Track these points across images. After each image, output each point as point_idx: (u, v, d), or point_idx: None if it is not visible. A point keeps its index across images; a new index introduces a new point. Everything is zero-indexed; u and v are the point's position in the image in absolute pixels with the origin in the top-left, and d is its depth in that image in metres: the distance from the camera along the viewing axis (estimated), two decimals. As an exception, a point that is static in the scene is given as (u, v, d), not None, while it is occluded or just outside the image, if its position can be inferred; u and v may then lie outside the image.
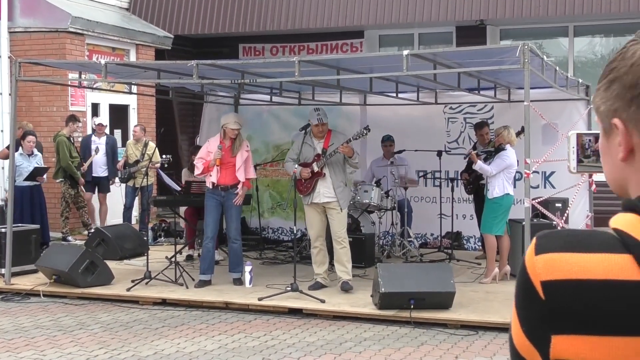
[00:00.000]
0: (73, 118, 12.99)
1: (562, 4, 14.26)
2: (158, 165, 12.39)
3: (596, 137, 1.53)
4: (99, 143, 13.35)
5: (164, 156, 11.84)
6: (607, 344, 1.12)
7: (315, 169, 9.09)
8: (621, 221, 1.17)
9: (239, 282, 9.50)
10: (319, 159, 9.10)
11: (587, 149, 1.54)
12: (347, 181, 9.44)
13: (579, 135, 1.55)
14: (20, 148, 11.76)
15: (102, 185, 13.50)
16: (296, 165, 9.13)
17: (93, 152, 13.35)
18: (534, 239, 1.21)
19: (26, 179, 11.81)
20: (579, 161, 1.55)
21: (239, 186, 9.49)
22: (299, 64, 8.27)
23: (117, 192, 13.94)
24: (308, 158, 9.19)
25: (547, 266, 1.17)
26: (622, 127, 1.21)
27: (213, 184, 9.44)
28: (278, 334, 7.64)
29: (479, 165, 9.52)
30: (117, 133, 15.29)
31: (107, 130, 13.97)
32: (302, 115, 12.26)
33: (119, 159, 13.70)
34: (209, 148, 9.54)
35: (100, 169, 13.39)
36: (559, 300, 1.15)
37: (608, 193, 13.12)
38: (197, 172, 9.68)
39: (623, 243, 1.15)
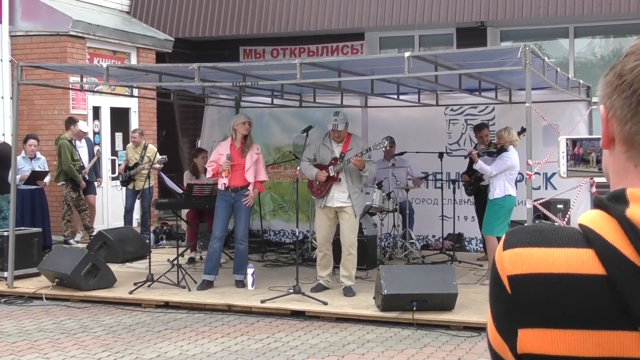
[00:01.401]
0: (72, 120, 13.01)
1: (562, 5, 14.28)
2: (158, 166, 12.42)
3: (574, 142, 1.54)
4: (81, 146, 13.37)
5: (159, 157, 11.86)
6: (567, 338, 1.14)
7: (332, 173, 8.98)
8: (587, 217, 1.19)
9: (241, 284, 9.50)
10: (336, 163, 9.00)
11: (565, 152, 1.55)
12: (363, 187, 9.38)
13: (566, 141, 1.56)
14: (23, 151, 11.82)
15: (86, 189, 13.46)
16: (298, 168, 9.09)
17: (94, 156, 13.39)
18: (504, 235, 1.24)
19: (26, 183, 11.82)
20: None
21: (250, 187, 9.50)
22: (301, 67, 8.27)
23: (118, 195, 13.96)
24: (325, 160, 9.11)
25: (513, 261, 1.19)
26: (604, 115, 1.23)
27: (224, 185, 9.47)
28: (281, 336, 7.65)
29: (480, 164, 9.52)
30: (118, 136, 15.32)
31: (90, 134, 14.05)
32: (303, 117, 12.30)
33: (121, 162, 13.71)
34: (220, 151, 9.57)
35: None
36: (524, 294, 1.16)
37: (609, 194, 13.14)
38: (208, 175, 9.83)
39: (586, 238, 1.16)
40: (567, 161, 1.54)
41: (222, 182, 9.48)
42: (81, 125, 13.32)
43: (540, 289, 1.15)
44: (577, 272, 1.14)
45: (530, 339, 1.16)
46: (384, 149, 9.48)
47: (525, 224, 7.93)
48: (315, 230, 9.54)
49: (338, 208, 8.99)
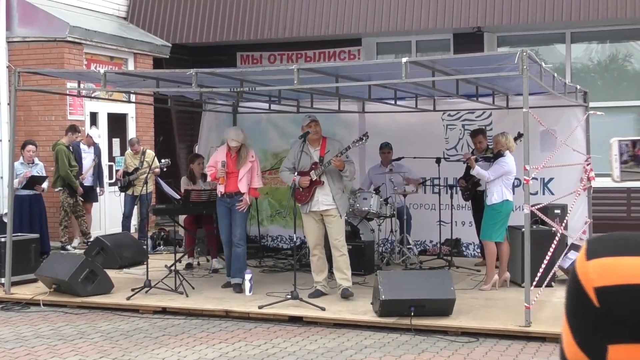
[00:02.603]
0: (73, 128, 13.03)
1: (559, 11, 14.31)
2: (158, 171, 12.41)
3: (633, 142, 1.51)
4: (88, 152, 13.41)
5: (162, 160, 11.86)
6: None
7: (314, 177, 9.06)
8: None
9: (238, 288, 9.51)
10: (317, 167, 9.09)
11: (623, 154, 1.52)
12: (344, 188, 9.45)
13: (619, 143, 1.53)
14: (21, 157, 11.82)
15: (87, 195, 13.48)
16: (296, 173, 9.11)
17: (92, 162, 13.41)
18: (585, 244, 1.17)
19: (24, 187, 11.81)
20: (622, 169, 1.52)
21: (244, 195, 9.57)
22: (298, 72, 8.28)
23: (116, 201, 13.96)
24: (305, 167, 9.16)
25: (600, 271, 1.11)
26: None
27: (221, 192, 9.67)
28: (279, 342, 7.64)
29: (477, 170, 9.53)
30: (116, 142, 15.31)
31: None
32: (301, 123, 12.28)
33: (118, 168, 13.70)
34: (217, 157, 9.78)
35: (87, 179, 13.40)
36: (615, 307, 1.10)
37: (606, 199, 13.02)
38: (209, 179, 10.27)
39: None
40: (620, 164, 1.52)
41: (219, 190, 9.67)
42: (91, 132, 13.41)
43: (634, 301, 1.08)
44: None
45: (623, 355, 1.09)
46: (362, 144, 9.48)
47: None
48: (306, 236, 9.57)
49: (323, 212, 9.05)
